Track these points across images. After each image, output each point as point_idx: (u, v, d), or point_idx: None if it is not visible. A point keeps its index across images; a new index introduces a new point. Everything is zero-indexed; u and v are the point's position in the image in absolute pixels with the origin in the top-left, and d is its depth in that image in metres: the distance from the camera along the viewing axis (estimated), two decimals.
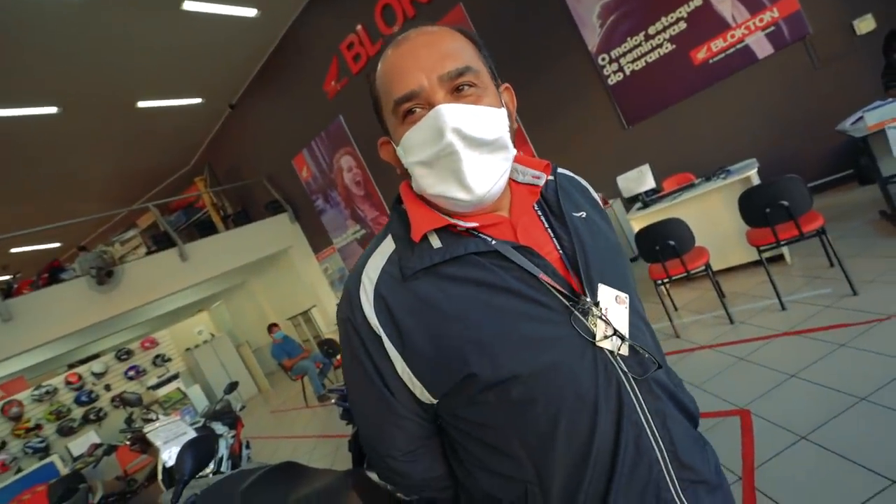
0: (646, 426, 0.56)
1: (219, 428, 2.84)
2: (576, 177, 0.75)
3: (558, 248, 0.61)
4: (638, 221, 3.57)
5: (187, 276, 6.99)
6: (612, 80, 4.83)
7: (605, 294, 0.58)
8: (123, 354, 7.89)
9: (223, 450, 2.59)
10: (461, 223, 0.57)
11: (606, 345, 0.55)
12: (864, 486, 1.43)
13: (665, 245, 2.79)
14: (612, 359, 0.56)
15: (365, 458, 2.53)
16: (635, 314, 0.61)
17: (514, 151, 0.59)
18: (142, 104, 7.20)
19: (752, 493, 1.59)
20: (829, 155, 4.10)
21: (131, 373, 7.85)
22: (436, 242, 0.58)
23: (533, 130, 5.42)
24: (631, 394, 0.55)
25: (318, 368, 6.21)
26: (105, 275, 5.89)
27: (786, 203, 2.47)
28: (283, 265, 8.86)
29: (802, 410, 1.84)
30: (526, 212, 0.63)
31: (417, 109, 0.54)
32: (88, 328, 6.11)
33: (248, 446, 3.11)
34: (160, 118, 7.81)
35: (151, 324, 9.94)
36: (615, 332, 0.56)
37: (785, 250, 3.15)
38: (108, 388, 7.48)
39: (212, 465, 2.41)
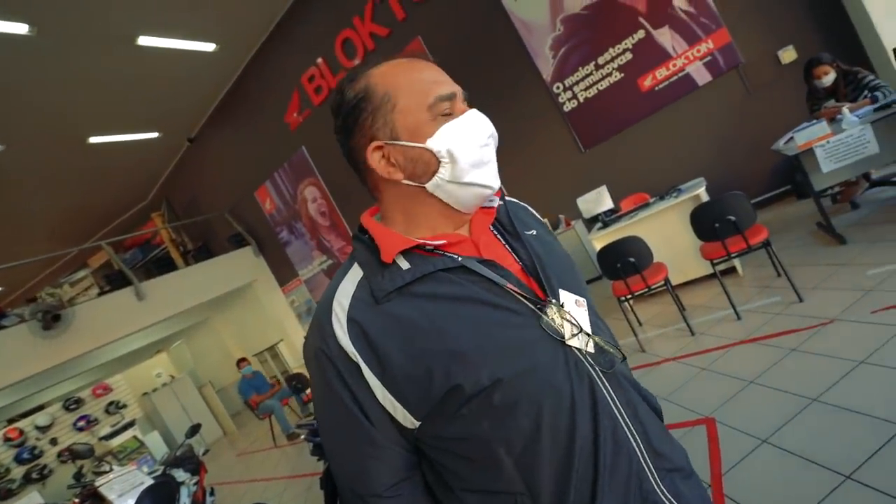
0: (620, 418, 0.59)
1: (180, 475, 2.66)
2: (522, 203, 0.82)
3: (517, 260, 0.66)
4: (599, 241, 3.70)
5: (144, 315, 6.64)
6: (568, 107, 5.07)
7: (566, 298, 0.63)
8: (72, 404, 7.30)
9: (185, 498, 2.42)
10: (429, 242, 0.61)
11: (575, 343, 0.59)
12: (822, 483, 1.49)
13: (625, 262, 2.90)
14: (581, 356, 0.59)
15: (338, 497, 2.44)
16: (594, 315, 0.66)
17: None
18: (94, 139, 6.95)
19: (722, 498, 1.63)
20: (768, 172, 4.42)
21: (81, 423, 7.26)
22: (404, 264, 0.60)
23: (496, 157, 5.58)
24: (602, 388, 0.59)
25: (284, 405, 5.96)
26: (51, 319, 5.51)
27: (733, 218, 2.64)
28: (247, 300, 8.56)
29: (762, 415, 1.92)
30: (484, 232, 0.67)
31: (451, 112, 0.62)
32: (32, 377, 5.66)
33: (212, 493, 2.93)
34: (114, 153, 7.55)
35: (104, 369, 9.30)
36: (581, 331, 0.60)
37: (736, 263, 3.33)
38: (54, 441, 6.88)
39: None
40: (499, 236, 0.69)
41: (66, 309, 5.83)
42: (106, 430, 6.99)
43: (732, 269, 3.40)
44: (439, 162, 0.60)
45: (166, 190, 9.68)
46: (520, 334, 0.57)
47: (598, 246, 3.50)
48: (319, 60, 6.47)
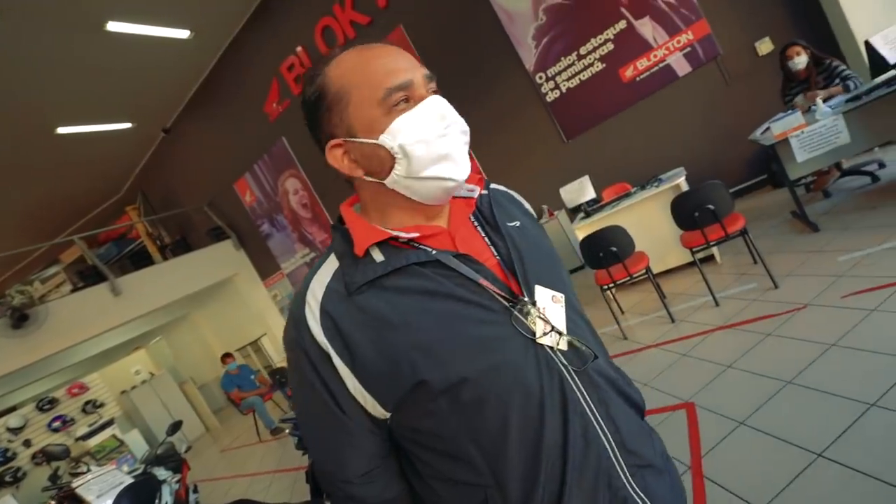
0: (591, 416, 0.59)
1: (161, 473, 2.61)
2: (509, 191, 0.80)
3: (496, 254, 0.64)
4: (582, 230, 3.73)
5: (121, 312, 6.46)
6: (550, 98, 5.07)
7: (542, 294, 0.62)
8: (46, 404, 7.07)
9: (167, 497, 2.38)
10: (402, 234, 0.59)
11: (546, 341, 0.58)
12: (795, 461, 1.55)
13: (608, 252, 2.93)
14: (552, 354, 0.59)
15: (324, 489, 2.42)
16: (572, 310, 0.64)
17: None
18: (62, 130, 6.67)
19: (701, 480, 1.68)
20: (745, 162, 4.51)
21: (56, 423, 7.05)
22: (378, 256, 0.59)
23: (478, 148, 5.57)
24: (573, 386, 0.59)
25: (268, 400, 5.91)
26: (19, 318, 5.31)
27: (711, 207, 2.68)
28: (228, 294, 8.41)
29: (740, 398, 1.98)
30: (463, 223, 0.66)
31: (408, 100, 0.57)
32: (2, 378, 5.47)
33: (195, 490, 2.89)
34: (84, 145, 7.27)
35: (80, 367, 9.04)
36: (553, 329, 0.59)
37: (715, 251, 3.40)
38: (27, 443, 6.66)
39: None
40: (479, 228, 0.67)
41: (36, 307, 5.63)
42: (83, 430, 6.82)
43: (711, 257, 3.48)
44: (394, 158, 0.58)
45: (141, 182, 9.39)
46: (490, 331, 0.57)
47: (581, 235, 3.53)
48: (299, 49, 6.32)
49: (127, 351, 9.71)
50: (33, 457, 6.57)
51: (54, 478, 3.24)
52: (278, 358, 7.81)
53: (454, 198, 0.67)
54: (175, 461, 2.97)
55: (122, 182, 9.47)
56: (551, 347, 0.59)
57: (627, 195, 3.84)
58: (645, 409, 0.71)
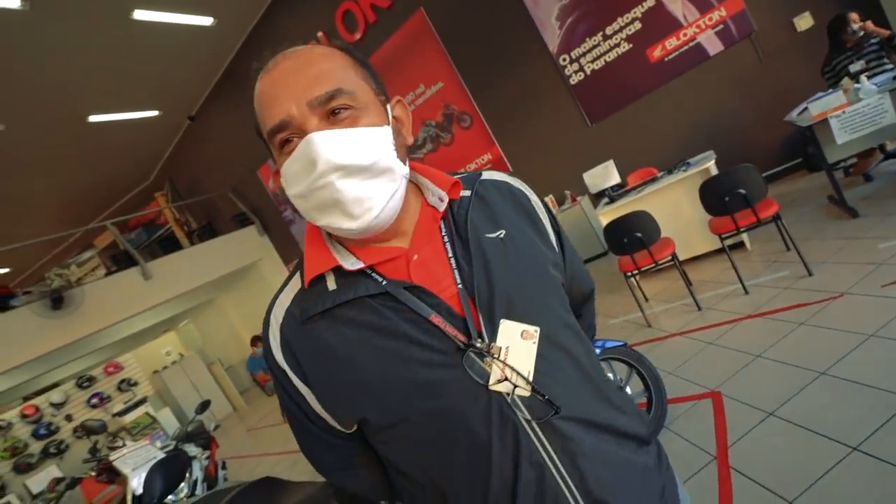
0: (549, 465, 0.53)
1: (192, 450, 2.72)
2: (509, 181, 0.69)
3: (458, 281, 0.56)
4: (605, 216, 3.65)
5: (151, 295, 6.70)
6: (574, 80, 4.94)
7: (508, 330, 0.55)
8: (85, 382, 7.48)
9: (197, 472, 2.48)
10: (348, 266, 0.55)
11: (500, 388, 0.53)
12: (828, 454, 1.50)
13: (632, 238, 2.86)
14: (507, 401, 0.53)
15: None
16: (551, 346, 0.56)
17: (402, 170, 0.56)
18: (94, 118, 6.88)
19: (728, 471, 1.64)
20: (779, 145, 4.32)
21: (94, 400, 7.45)
22: (331, 284, 0.56)
23: (500, 132, 5.49)
24: (531, 435, 0.53)
25: None
26: (58, 300, 5.57)
27: (743, 191, 2.58)
28: (252, 279, 8.61)
29: (769, 388, 1.92)
30: (429, 239, 0.59)
31: (294, 138, 0.51)
32: (44, 356, 5.76)
33: (224, 467, 3.00)
34: (114, 132, 7.48)
35: (114, 347, 9.46)
36: (510, 376, 0.53)
37: (745, 237, 3.29)
38: (69, 418, 7.07)
39: (185, 489, 2.30)
40: (448, 244, 0.58)
41: (73, 290, 5.89)
42: (119, 407, 7.17)
43: (741, 244, 3.36)
44: None
45: (169, 169, 9.64)
46: (435, 374, 0.52)
47: (605, 221, 3.45)
48: (319, 34, 6.30)
49: (158, 333, 10.10)
50: (74, 431, 6.96)
51: (94, 451, 3.42)
52: None
53: (426, 205, 0.61)
54: (204, 439, 3.09)
55: (150, 169, 9.74)
56: (507, 393, 0.53)
57: (654, 180, 3.73)
58: (649, 436, 0.63)
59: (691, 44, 4.32)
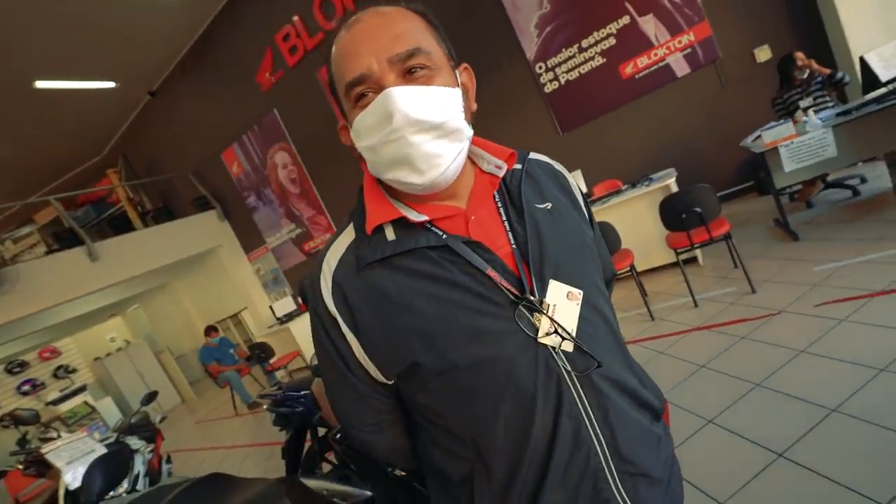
0: (585, 419, 0.57)
1: (134, 443, 2.59)
2: (552, 163, 0.74)
3: (512, 242, 0.61)
4: None
5: (97, 277, 6.31)
6: (549, 88, 5.04)
7: (556, 290, 0.59)
8: (16, 367, 6.98)
9: (139, 466, 2.37)
10: (413, 217, 0.58)
11: (548, 341, 0.57)
12: (757, 461, 1.61)
13: None
14: (553, 354, 0.57)
15: (299, 466, 2.44)
16: (590, 309, 0.61)
17: (468, 132, 0.59)
18: (41, 84, 6.40)
19: None
20: (734, 167, 4.58)
21: (26, 387, 6.96)
22: (390, 234, 0.59)
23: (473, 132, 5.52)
24: (571, 388, 0.57)
25: (245, 374, 5.88)
26: None
27: (699, 210, 2.73)
28: (210, 265, 8.28)
29: (710, 397, 2.04)
30: (484, 203, 0.63)
31: (369, 93, 0.54)
32: None
33: (168, 461, 2.88)
34: (65, 101, 6.98)
35: (52, 331, 8.85)
36: (557, 329, 0.57)
37: (698, 252, 3.47)
38: None
39: (126, 484, 2.20)
40: (501, 209, 0.63)
41: (6, 267, 5.46)
42: (54, 395, 6.73)
43: (694, 259, 3.55)
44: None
45: (124, 145, 9.10)
46: (489, 323, 0.56)
47: None
48: (295, 18, 6.13)
49: (102, 317, 9.55)
50: (0, 420, 6.47)
51: (23, 442, 3.19)
52: (259, 332, 7.76)
53: (482, 172, 0.65)
54: (149, 431, 2.95)
55: (103, 144, 9.15)
56: (553, 348, 0.57)
57: (618, 192, 3.87)
58: (662, 410, 0.68)
59: (661, 64, 4.51)
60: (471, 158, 0.66)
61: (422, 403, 0.61)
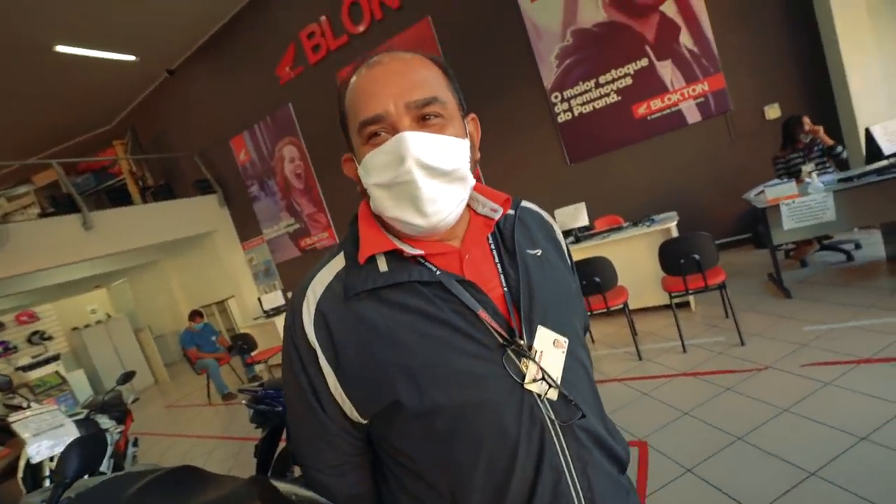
0: (566, 471, 0.56)
1: (104, 422, 2.54)
2: (541, 212, 0.76)
3: (503, 285, 0.61)
4: None
5: (89, 247, 6.23)
6: (562, 118, 5.12)
7: (544, 336, 0.59)
8: None
9: (108, 447, 2.31)
10: (408, 249, 0.58)
11: (534, 388, 0.56)
12: None
13: (591, 281, 2.98)
14: (538, 402, 0.56)
15: (270, 466, 2.38)
16: (573, 359, 0.61)
17: (472, 181, 0.60)
18: (61, 48, 6.41)
19: None
20: (734, 217, 4.65)
21: None
22: (382, 266, 0.59)
23: (482, 155, 5.57)
24: (554, 438, 0.56)
25: (224, 364, 5.79)
26: None
27: (697, 257, 2.76)
28: (204, 249, 8.22)
29: (691, 445, 2.03)
30: (478, 244, 0.63)
31: (382, 133, 0.55)
32: None
33: (135, 444, 2.82)
34: (83, 68, 6.99)
35: (33, 295, 8.70)
36: (544, 377, 0.57)
37: (691, 298, 3.50)
38: None
39: (102, 470, 2.14)
40: (494, 251, 0.64)
41: None
42: (25, 361, 6.58)
43: (687, 304, 3.57)
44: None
45: (134, 118, 9.09)
46: (476, 366, 0.55)
47: None
48: (322, 18, 6.21)
49: (87, 287, 9.40)
50: None
51: None
52: (243, 322, 7.67)
53: (476, 214, 0.65)
54: (120, 411, 2.89)
55: (113, 115, 9.14)
56: (539, 395, 0.56)
57: (619, 228, 3.91)
58: (628, 463, 0.68)
59: (673, 108, 4.60)
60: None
61: (396, 447, 0.59)
